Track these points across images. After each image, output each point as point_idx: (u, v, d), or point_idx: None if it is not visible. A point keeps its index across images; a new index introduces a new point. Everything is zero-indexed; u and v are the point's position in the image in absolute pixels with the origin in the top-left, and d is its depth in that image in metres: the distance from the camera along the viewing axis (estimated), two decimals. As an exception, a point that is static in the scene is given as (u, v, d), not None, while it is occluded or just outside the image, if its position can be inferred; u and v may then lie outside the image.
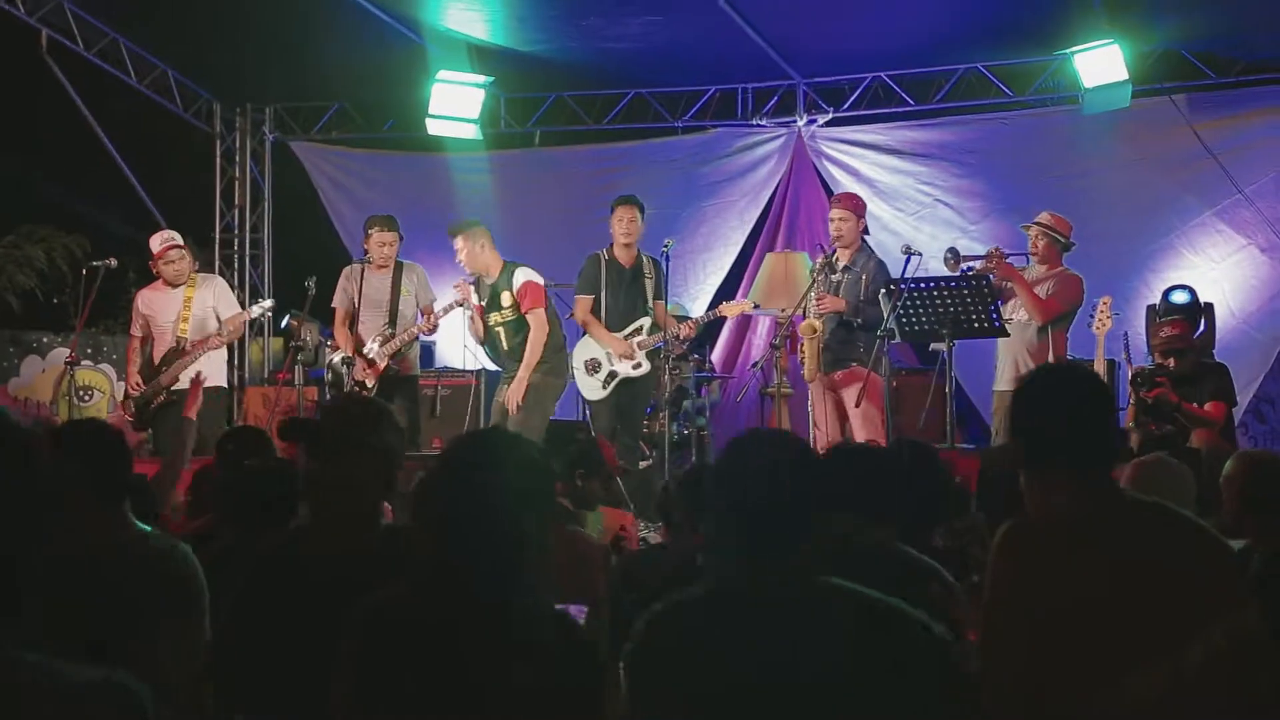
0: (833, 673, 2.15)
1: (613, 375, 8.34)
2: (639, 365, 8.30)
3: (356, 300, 8.41)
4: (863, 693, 2.15)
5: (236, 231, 11.93)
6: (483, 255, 8.19)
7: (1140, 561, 2.67)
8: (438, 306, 8.52)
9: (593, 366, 8.39)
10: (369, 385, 8.33)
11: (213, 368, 8.18)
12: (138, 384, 8.31)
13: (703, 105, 11.09)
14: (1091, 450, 2.74)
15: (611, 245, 8.40)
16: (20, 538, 1.56)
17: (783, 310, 8.48)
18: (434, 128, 10.63)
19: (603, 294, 8.33)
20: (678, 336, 8.40)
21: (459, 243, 8.21)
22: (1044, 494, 2.79)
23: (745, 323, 10.57)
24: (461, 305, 8.39)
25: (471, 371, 9.74)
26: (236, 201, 11.92)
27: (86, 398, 10.77)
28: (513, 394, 8.00)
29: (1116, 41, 9.23)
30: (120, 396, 9.21)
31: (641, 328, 8.33)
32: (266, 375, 11.15)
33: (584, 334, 8.49)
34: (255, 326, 11.83)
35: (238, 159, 11.90)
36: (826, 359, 7.88)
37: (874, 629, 2.22)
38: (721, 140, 11.16)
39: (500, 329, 8.17)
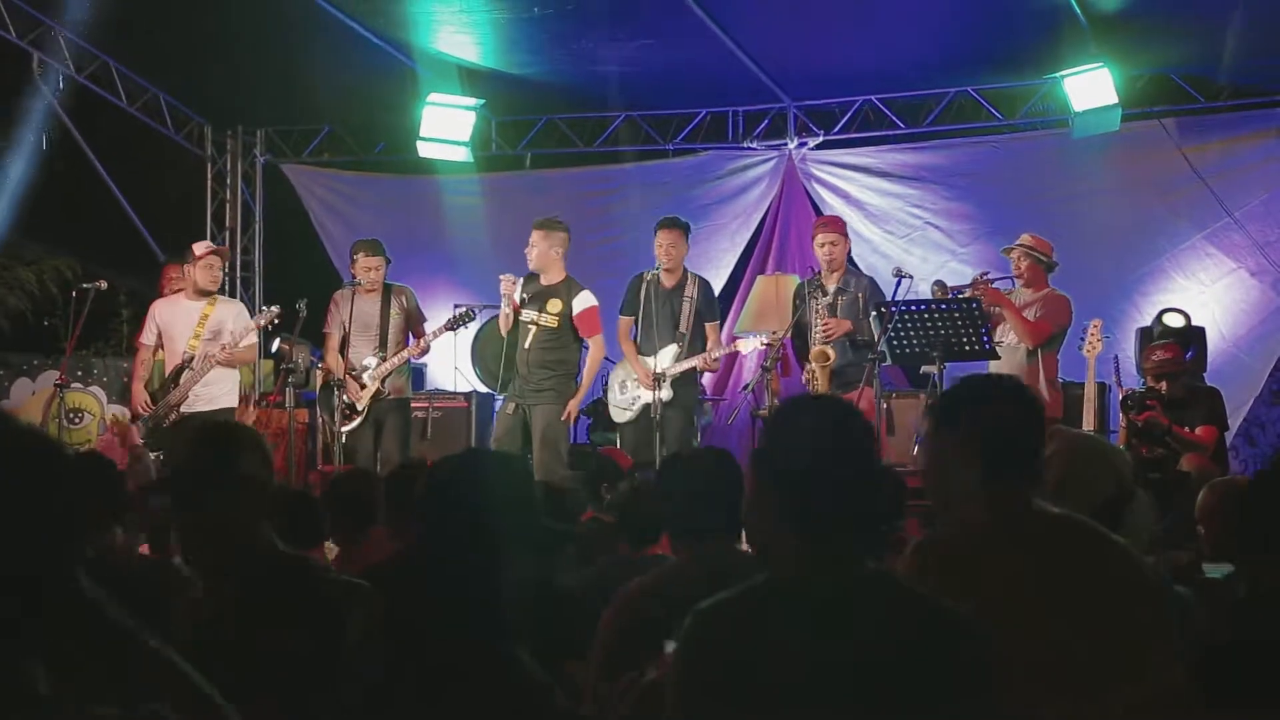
0: (882, 668, 2.08)
1: (636, 399, 8.42)
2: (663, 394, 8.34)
3: (347, 325, 8.38)
4: (910, 688, 2.07)
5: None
6: (553, 258, 8.26)
7: (1045, 567, 2.68)
8: (429, 329, 8.52)
9: (624, 388, 8.50)
10: (359, 408, 8.33)
11: (226, 387, 8.17)
12: (146, 404, 8.22)
13: (694, 128, 11.09)
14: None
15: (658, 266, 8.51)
16: (49, 561, 1.48)
17: (774, 333, 8.48)
18: (425, 150, 10.63)
19: (639, 315, 8.43)
20: (697, 371, 8.45)
21: (535, 237, 8.29)
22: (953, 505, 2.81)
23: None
24: (453, 330, 8.41)
25: (463, 394, 9.71)
26: (227, 224, 11.88)
27: (76, 420, 10.71)
28: (574, 406, 8.21)
29: (1106, 65, 9.25)
30: (110, 418, 9.16)
31: (669, 355, 8.34)
32: (258, 398, 11.12)
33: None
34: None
35: (229, 181, 11.88)
36: (836, 383, 7.90)
37: (921, 622, 2.14)
38: (712, 163, 11.16)
39: (533, 328, 8.20)
